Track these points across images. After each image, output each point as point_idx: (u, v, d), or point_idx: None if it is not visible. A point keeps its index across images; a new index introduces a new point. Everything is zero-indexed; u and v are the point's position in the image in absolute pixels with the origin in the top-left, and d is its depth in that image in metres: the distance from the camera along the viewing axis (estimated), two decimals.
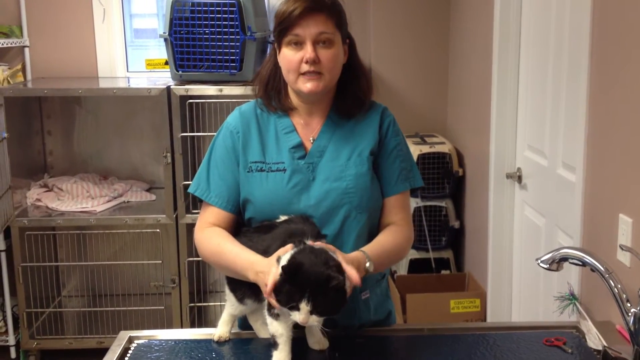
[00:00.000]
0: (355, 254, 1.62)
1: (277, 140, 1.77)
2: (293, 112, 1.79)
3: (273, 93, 1.79)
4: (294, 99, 1.79)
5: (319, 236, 1.61)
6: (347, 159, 1.74)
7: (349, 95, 1.78)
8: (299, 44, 1.68)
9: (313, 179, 1.73)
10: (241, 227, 1.78)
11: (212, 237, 1.73)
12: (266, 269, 1.52)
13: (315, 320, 1.44)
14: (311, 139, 1.77)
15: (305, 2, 1.67)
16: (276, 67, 1.78)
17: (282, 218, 1.68)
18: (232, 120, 1.81)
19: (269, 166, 1.74)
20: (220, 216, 1.76)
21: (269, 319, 1.55)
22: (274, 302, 1.48)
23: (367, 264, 1.61)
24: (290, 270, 1.43)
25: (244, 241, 1.69)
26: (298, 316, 1.43)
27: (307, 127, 1.78)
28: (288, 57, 1.70)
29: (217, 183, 1.77)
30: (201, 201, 1.80)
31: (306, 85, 1.69)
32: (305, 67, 1.68)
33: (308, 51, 1.67)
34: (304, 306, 1.42)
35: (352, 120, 1.78)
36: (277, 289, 1.45)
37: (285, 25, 1.68)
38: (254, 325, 1.75)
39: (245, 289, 1.66)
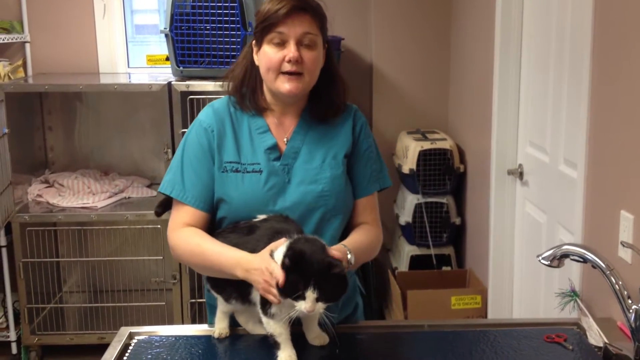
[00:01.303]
0: (338, 247, 1.61)
1: (252, 140, 1.75)
2: (267, 112, 1.77)
3: (247, 92, 1.76)
4: (268, 98, 1.77)
5: (302, 234, 1.59)
6: (321, 161, 1.74)
7: (325, 100, 1.77)
8: (281, 43, 1.67)
9: (288, 181, 1.72)
10: (213, 225, 1.75)
11: (190, 237, 1.70)
12: (261, 265, 1.50)
13: (320, 308, 1.44)
14: (285, 139, 1.76)
15: (292, 1, 1.66)
16: (252, 66, 1.75)
17: (260, 217, 1.67)
18: (206, 118, 1.77)
19: (245, 167, 1.72)
20: (195, 216, 1.73)
21: (264, 319, 1.55)
22: (271, 297, 1.47)
23: (349, 256, 1.60)
24: (295, 259, 1.43)
25: (225, 243, 1.65)
26: (304, 305, 1.43)
27: (280, 127, 1.77)
28: (269, 54, 1.68)
29: (193, 183, 1.73)
30: (170, 200, 1.76)
31: (285, 86, 1.68)
32: (287, 67, 1.66)
33: (291, 50, 1.65)
34: (310, 294, 1.42)
35: (325, 123, 1.78)
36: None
37: (269, 23, 1.66)
38: (246, 326, 1.73)
39: (230, 290, 1.64)
